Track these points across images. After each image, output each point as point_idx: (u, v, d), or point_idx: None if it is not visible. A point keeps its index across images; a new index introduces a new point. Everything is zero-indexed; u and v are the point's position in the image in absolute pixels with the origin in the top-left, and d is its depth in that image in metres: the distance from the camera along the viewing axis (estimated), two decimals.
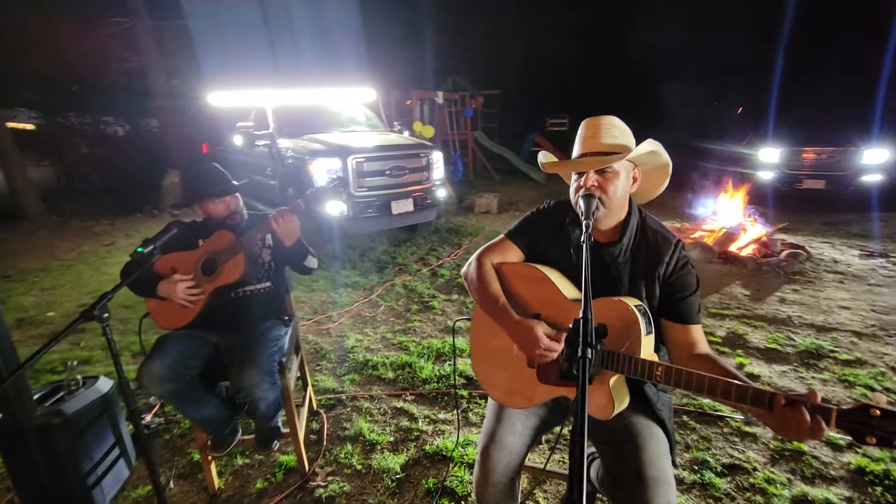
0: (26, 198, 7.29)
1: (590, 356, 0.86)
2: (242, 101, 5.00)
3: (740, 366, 2.90)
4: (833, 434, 2.13)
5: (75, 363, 1.95)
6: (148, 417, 2.49)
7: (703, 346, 1.23)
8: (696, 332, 1.24)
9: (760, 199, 7.12)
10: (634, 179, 1.29)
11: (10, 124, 9.89)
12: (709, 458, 2.12)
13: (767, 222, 5.99)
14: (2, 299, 4.22)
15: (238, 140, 5.99)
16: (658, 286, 1.26)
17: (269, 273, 2.05)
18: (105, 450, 1.99)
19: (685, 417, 2.42)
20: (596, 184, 1.24)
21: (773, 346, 3.13)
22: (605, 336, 0.99)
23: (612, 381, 1.15)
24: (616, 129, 1.25)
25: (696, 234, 5.57)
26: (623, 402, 1.19)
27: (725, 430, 2.30)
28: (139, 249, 1.42)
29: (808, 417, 0.89)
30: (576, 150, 1.30)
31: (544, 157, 1.35)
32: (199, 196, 1.86)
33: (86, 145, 9.74)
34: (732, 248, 5.12)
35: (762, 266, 4.67)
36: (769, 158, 7.52)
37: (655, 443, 1.25)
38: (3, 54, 8.34)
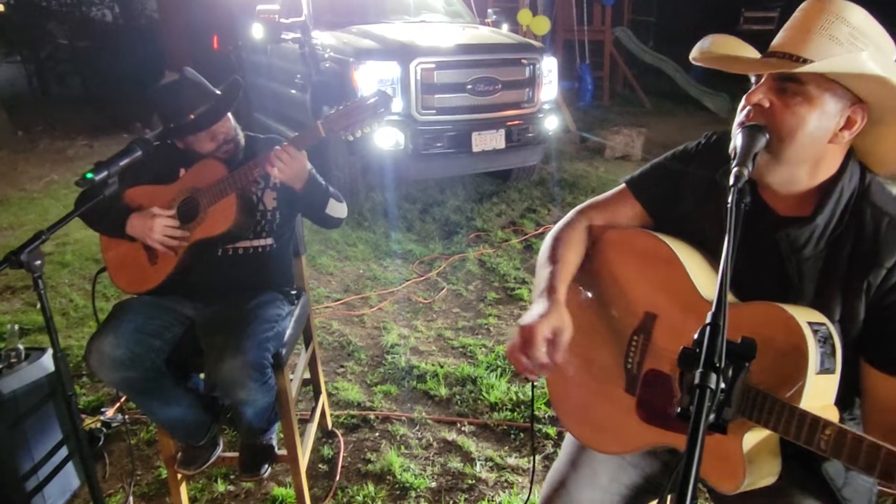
0: None
1: (712, 385, 0.80)
2: None
3: None
4: None
5: (16, 328, 2.20)
6: (110, 412, 2.77)
7: None
8: None
9: None
10: (850, 123, 1.13)
11: None
12: None
13: None
14: None
15: (257, 32, 6.23)
16: (864, 304, 1.16)
17: (271, 225, 2.15)
18: (50, 447, 2.24)
19: None
20: (768, 104, 1.12)
21: None
22: (750, 359, 0.91)
23: (747, 436, 1.08)
24: (846, 27, 1.08)
25: None
26: (761, 476, 1.12)
27: None
28: (88, 176, 1.54)
29: None
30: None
31: (710, 42, 1.23)
32: (172, 131, 1.98)
33: (65, 35, 10.77)
34: None
35: None
36: None
37: None
38: None
